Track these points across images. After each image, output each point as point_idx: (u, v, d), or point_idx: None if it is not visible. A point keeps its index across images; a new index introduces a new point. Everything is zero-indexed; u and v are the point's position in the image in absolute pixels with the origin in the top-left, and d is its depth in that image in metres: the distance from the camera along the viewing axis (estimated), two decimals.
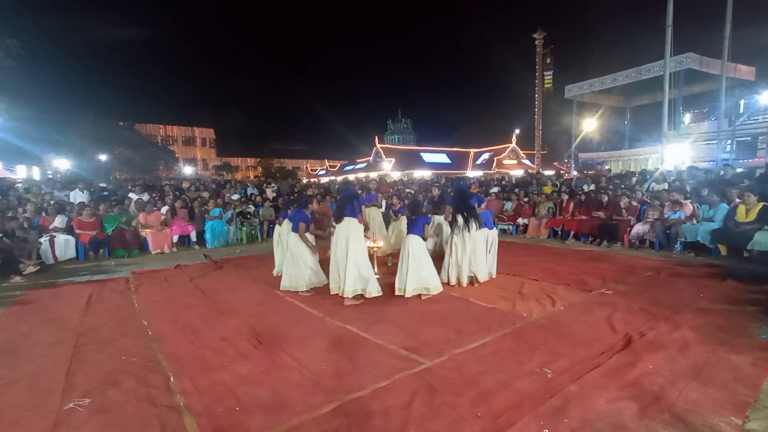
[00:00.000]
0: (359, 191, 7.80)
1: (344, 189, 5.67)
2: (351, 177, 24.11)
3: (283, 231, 5.67)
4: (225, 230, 9.14)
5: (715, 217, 6.81)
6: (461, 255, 4.99)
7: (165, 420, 2.30)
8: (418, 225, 4.78)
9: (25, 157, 22.57)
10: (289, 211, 5.49)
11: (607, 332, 3.45)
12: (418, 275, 4.58)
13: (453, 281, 5.06)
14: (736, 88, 18.69)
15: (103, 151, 29.36)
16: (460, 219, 4.99)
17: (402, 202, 8.63)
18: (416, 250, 4.63)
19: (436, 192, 7.97)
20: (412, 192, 10.83)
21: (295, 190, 13.68)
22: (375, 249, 5.61)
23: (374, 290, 4.50)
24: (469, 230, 4.95)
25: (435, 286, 4.65)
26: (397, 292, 4.59)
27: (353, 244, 4.46)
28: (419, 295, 4.58)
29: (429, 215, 5.24)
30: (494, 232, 5.56)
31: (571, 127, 23.87)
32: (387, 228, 7.95)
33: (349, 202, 4.64)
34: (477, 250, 5.06)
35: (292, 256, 4.98)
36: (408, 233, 4.78)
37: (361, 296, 4.50)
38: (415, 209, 4.98)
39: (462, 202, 5.11)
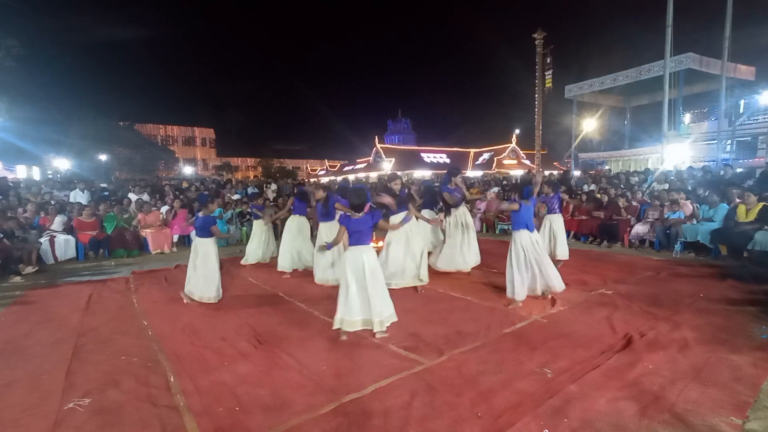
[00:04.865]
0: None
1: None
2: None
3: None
4: (225, 230, 9.11)
5: (715, 217, 6.81)
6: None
7: (165, 420, 2.30)
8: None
9: (25, 157, 22.49)
10: (200, 214, 4.72)
11: (607, 332, 3.45)
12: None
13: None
14: (736, 88, 18.71)
15: (103, 151, 29.30)
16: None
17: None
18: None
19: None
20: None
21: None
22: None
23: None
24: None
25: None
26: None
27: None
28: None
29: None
30: (535, 234, 4.31)
31: (571, 127, 23.86)
32: None
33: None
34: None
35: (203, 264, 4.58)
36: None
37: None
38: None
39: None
